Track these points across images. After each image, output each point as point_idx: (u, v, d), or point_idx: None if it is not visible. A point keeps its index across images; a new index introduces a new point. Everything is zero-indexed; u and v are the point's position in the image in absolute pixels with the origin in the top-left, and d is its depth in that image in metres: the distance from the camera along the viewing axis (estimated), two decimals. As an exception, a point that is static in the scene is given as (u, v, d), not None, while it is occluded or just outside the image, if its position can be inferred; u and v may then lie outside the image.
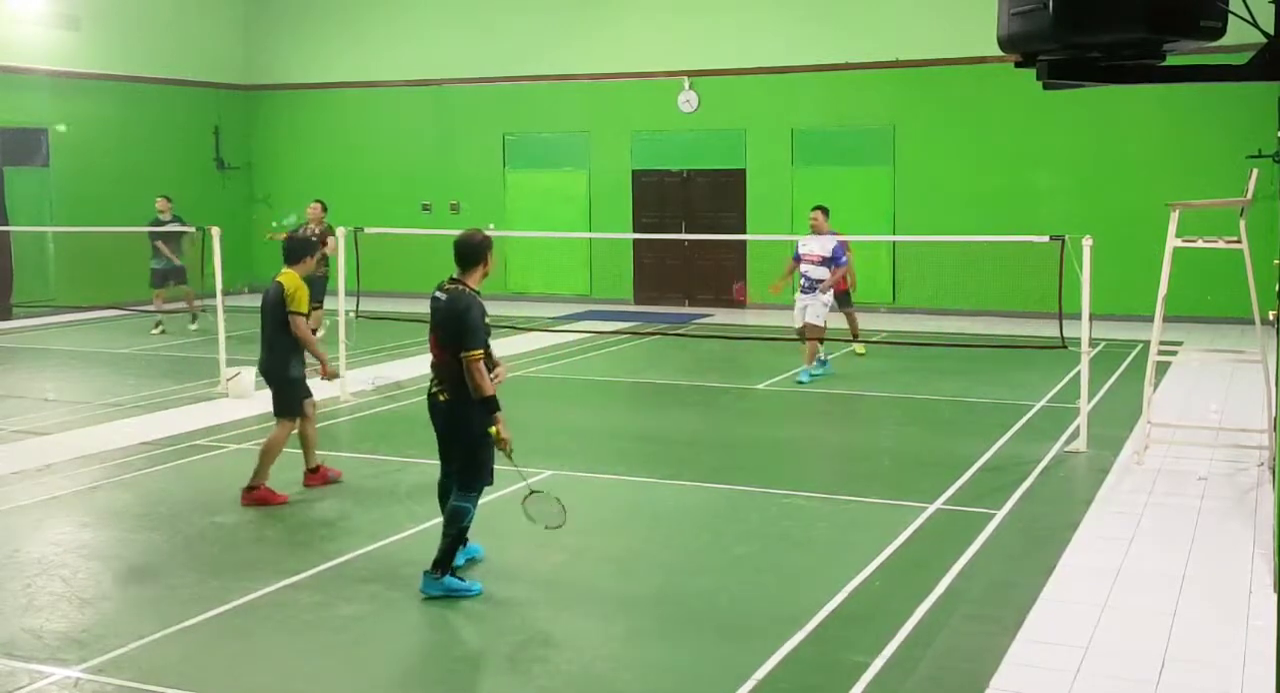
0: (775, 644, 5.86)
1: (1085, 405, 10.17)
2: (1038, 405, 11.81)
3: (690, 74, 20.74)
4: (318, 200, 16.61)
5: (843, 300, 14.80)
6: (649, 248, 21.31)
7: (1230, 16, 2.97)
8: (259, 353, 8.81)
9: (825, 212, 13.62)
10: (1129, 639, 5.95)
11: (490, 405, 6.62)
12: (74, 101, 20.81)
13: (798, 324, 13.35)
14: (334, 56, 23.28)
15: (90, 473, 9.50)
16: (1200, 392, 12.36)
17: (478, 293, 6.79)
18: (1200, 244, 9.32)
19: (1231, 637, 5.96)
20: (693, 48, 20.62)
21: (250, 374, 12.37)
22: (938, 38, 18.96)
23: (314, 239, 10.98)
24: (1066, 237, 10.13)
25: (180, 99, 22.63)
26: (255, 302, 9.67)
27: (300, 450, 8.91)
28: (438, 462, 7.02)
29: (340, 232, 13.18)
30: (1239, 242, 9.08)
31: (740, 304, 20.48)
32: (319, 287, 14.72)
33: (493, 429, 6.63)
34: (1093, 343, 10.53)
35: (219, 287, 13.17)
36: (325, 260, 13.89)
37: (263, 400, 11.34)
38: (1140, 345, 14.56)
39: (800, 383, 13.14)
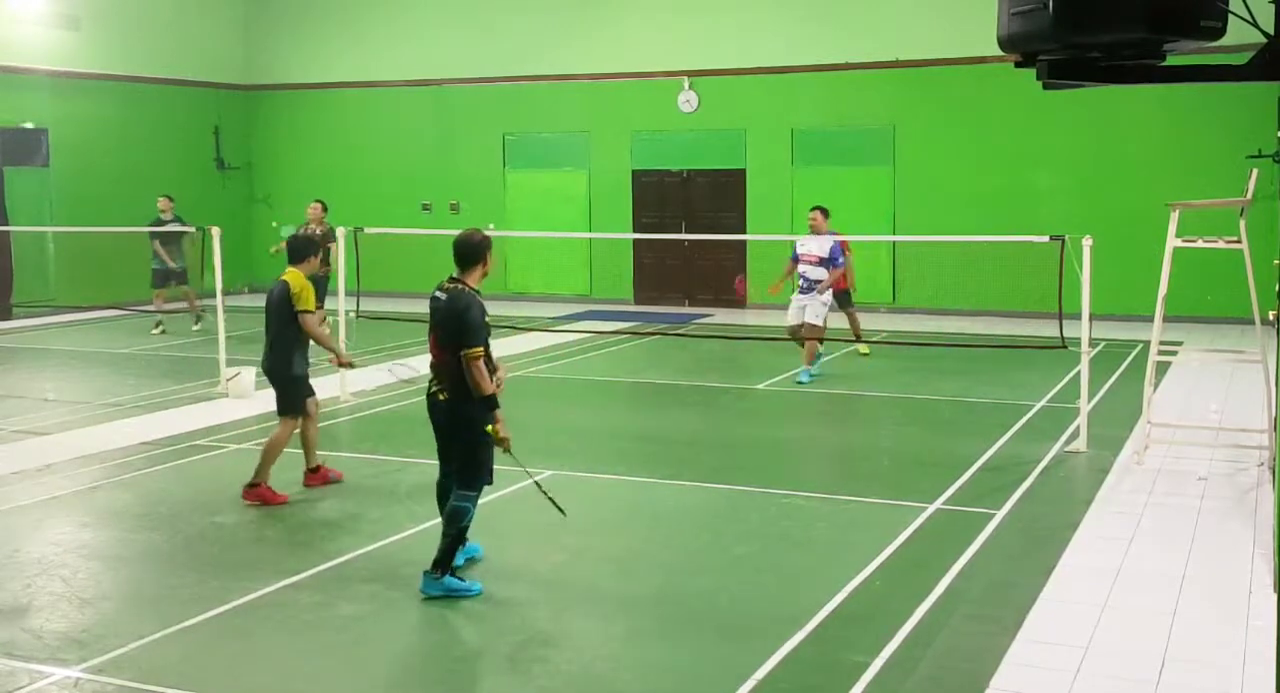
0: (775, 644, 5.86)
1: (1085, 405, 10.17)
2: (1038, 405, 11.81)
3: (690, 74, 20.74)
4: (318, 200, 16.62)
5: (844, 301, 14.81)
6: (649, 248, 21.31)
7: (1230, 16, 2.97)
8: (262, 352, 8.82)
9: (824, 212, 13.62)
10: (1129, 639, 5.95)
11: (490, 404, 6.63)
12: (74, 101, 20.81)
13: (791, 322, 13.35)
14: (334, 56, 23.28)
15: (90, 473, 9.50)
16: (1200, 392, 12.36)
17: (478, 292, 6.79)
18: (1200, 244, 9.32)
19: (1231, 637, 5.96)
20: (693, 48, 20.62)
21: (250, 374, 12.39)
22: (938, 38, 18.96)
23: (316, 238, 10.98)
24: (1066, 237, 10.13)
25: (180, 99, 22.63)
26: (255, 302, 9.67)
27: (301, 450, 8.92)
28: (437, 462, 7.02)
29: (340, 232, 13.18)
30: (1239, 242, 9.08)
31: (740, 303, 20.48)
32: (320, 287, 14.71)
33: (490, 429, 6.64)
34: (1093, 343, 10.53)
35: (219, 287, 13.17)
36: (327, 260, 13.89)
37: (263, 401, 11.35)
38: (1140, 345, 14.56)
39: (800, 383, 13.14)
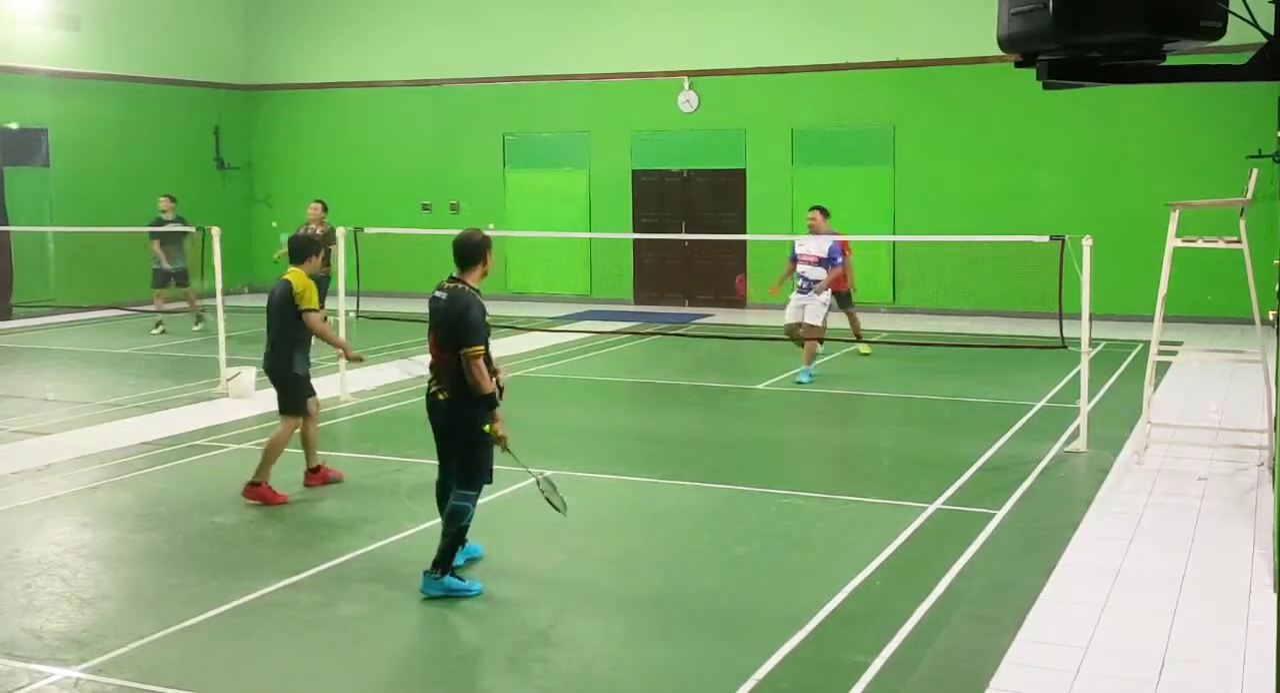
0: (775, 644, 5.86)
1: (1085, 405, 10.17)
2: (1038, 405, 11.81)
3: (690, 74, 20.74)
4: (318, 200, 16.63)
5: (844, 301, 14.82)
6: (649, 248, 21.31)
7: (1230, 16, 2.97)
8: (264, 351, 8.83)
9: (823, 212, 13.63)
10: (1129, 639, 5.95)
11: (490, 403, 6.63)
12: (74, 101, 20.81)
13: (788, 321, 13.35)
14: (334, 56, 23.28)
15: (90, 473, 9.50)
16: (1200, 392, 12.36)
17: (478, 292, 6.80)
18: (1200, 244, 9.32)
19: (1231, 637, 5.96)
20: (693, 48, 20.62)
21: (250, 374, 12.39)
22: (938, 38, 18.96)
23: (317, 238, 10.99)
24: (1066, 237, 10.13)
25: (180, 99, 22.63)
26: (255, 302, 9.66)
27: (301, 450, 8.92)
28: (437, 462, 7.02)
29: (340, 232, 13.18)
30: (1239, 242, 9.07)
31: (740, 303, 20.48)
32: (321, 287, 14.69)
33: (488, 428, 6.65)
34: (1093, 343, 10.53)
35: (219, 287, 13.17)
36: (328, 260, 13.91)
37: (263, 400, 11.36)
38: (1140, 345, 14.56)
39: (800, 383, 13.14)
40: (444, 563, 6.61)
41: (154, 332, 17.64)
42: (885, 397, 12.71)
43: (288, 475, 8.81)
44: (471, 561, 7.08)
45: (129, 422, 11.46)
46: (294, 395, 8.71)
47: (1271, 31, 3.01)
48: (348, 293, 13.11)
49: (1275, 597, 5.38)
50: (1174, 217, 9.31)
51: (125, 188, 20.78)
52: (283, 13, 23.73)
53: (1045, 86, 3.20)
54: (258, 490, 8.47)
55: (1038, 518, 8.09)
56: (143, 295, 18.22)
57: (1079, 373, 10.40)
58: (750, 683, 5.45)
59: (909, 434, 10.98)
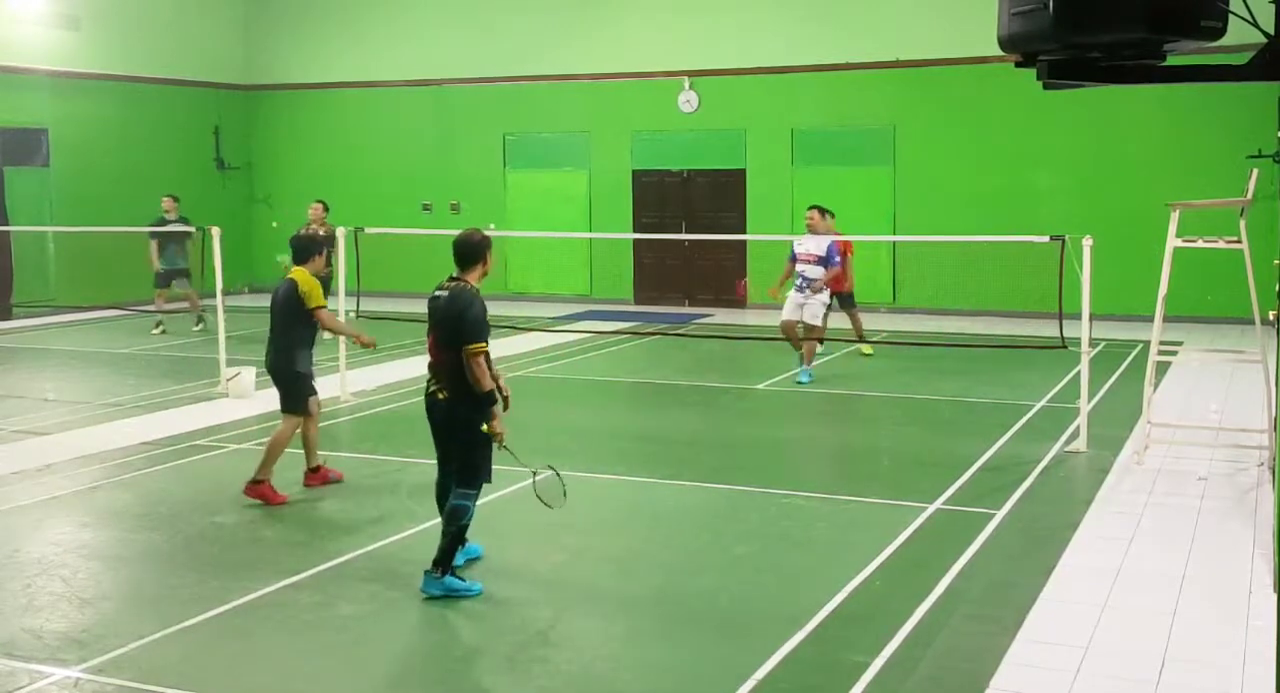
0: (775, 644, 5.86)
1: (1085, 405, 10.17)
2: (1038, 405, 11.81)
3: (690, 74, 20.74)
4: (319, 201, 16.63)
5: (846, 301, 14.82)
6: (649, 248, 21.31)
7: (1230, 16, 2.97)
8: (266, 350, 8.83)
9: (822, 211, 13.64)
10: (1129, 639, 5.95)
11: (490, 400, 6.64)
12: (74, 101, 20.81)
13: (785, 318, 13.35)
14: (334, 56, 23.28)
15: (90, 473, 9.50)
16: (1200, 392, 12.36)
17: (478, 290, 6.81)
18: (1200, 244, 9.32)
19: (1231, 637, 5.96)
20: (693, 48, 20.62)
21: (250, 374, 12.39)
22: (938, 38, 18.96)
23: (319, 238, 10.99)
24: (1066, 237, 10.13)
25: (180, 99, 22.63)
26: (255, 302, 9.66)
27: (301, 450, 8.92)
28: (437, 462, 7.02)
29: (340, 232, 13.18)
30: (1239, 242, 9.07)
31: (740, 303, 20.48)
32: (323, 287, 14.70)
33: (485, 427, 6.65)
34: (1093, 343, 10.53)
35: (219, 287, 13.17)
36: (329, 260, 13.91)
37: (263, 400, 11.38)
38: (1140, 345, 14.56)
39: (800, 383, 13.14)
40: (444, 562, 6.61)
41: (154, 332, 17.64)
42: (885, 397, 12.71)
43: (288, 475, 8.81)
44: (471, 560, 7.08)
45: (129, 422, 11.46)
46: (296, 394, 8.71)
47: (1271, 31, 3.01)
48: (348, 293, 13.10)
49: (1275, 597, 5.38)
50: (1174, 217, 9.31)
51: (125, 188, 20.78)
52: (283, 13, 23.73)
53: (1045, 86, 3.20)
54: (259, 489, 8.47)
55: (1038, 518, 8.09)
56: (143, 295, 18.21)
57: (1079, 373, 10.40)
58: (750, 683, 5.45)
59: (909, 434, 10.98)
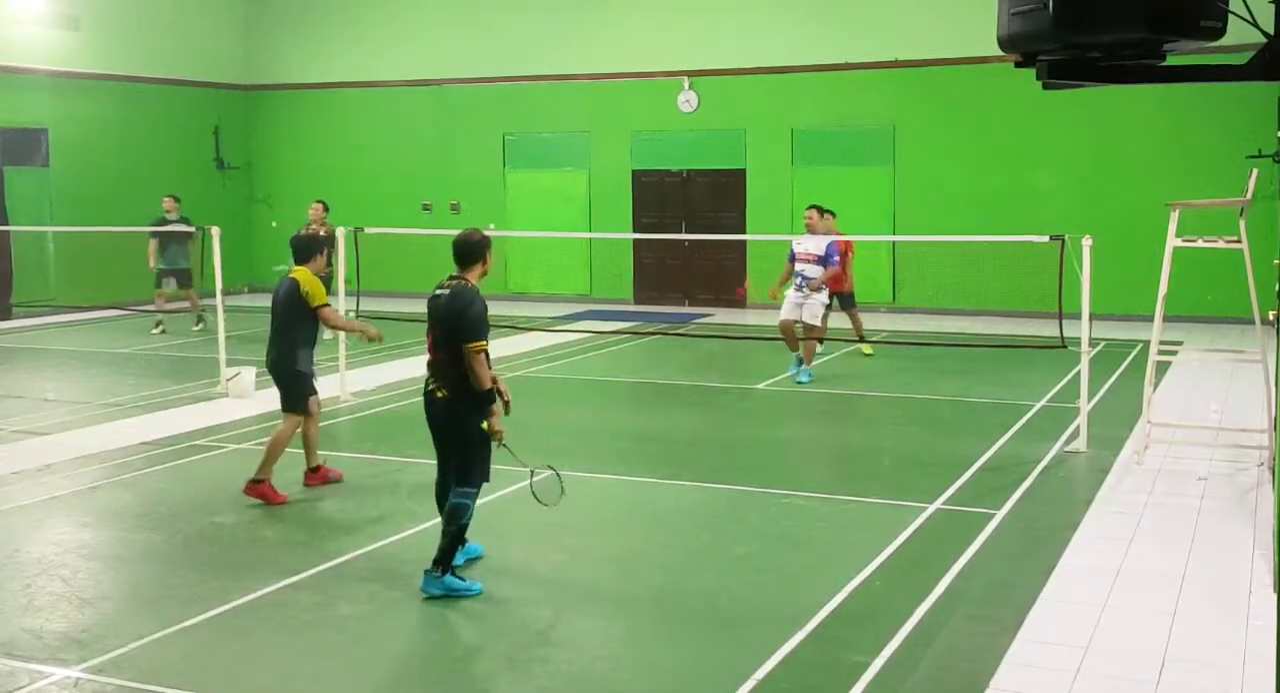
0: (775, 644, 5.86)
1: (1085, 405, 10.17)
2: (1038, 405, 11.81)
3: (690, 74, 20.74)
4: (319, 201, 16.62)
5: (846, 301, 14.82)
6: (649, 248, 21.31)
7: (1230, 16, 2.97)
8: (267, 349, 8.83)
9: (820, 211, 13.64)
10: (1129, 639, 5.95)
11: (489, 398, 6.65)
12: (74, 101, 20.81)
13: (783, 317, 13.35)
14: (334, 56, 23.28)
15: (90, 473, 9.50)
16: (1200, 392, 12.36)
17: (478, 289, 6.82)
18: (1200, 244, 9.32)
19: (1231, 637, 5.96)
20: (693, 48, 20.62)
21: (250, 374, 12.39)
22: (938, 38, 18.96)
23: (319, 237, 10.99)
24: (1066, 237, 10.13)
25: (180, 99, 22.63)
26: (255, 302, 9.65)
27: (301, 450, 8.92)
28: (436, 461, 7.02)
29: (340, 232, 13.18)
30: (1239, 241, 9.07)
31: (740, 303, 20.48)
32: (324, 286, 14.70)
33: (485, 425, 6.66)
34: (1093, 343, 10.53)
35: (219, 287, 13.18)
36: (329, 260, 13.92)
37: (263, 400, 11.38)
38: (1140, 345, 14.56)
39: (800, 383, 13.14)
40: (444, 562, 6.62)
41: (154, 331, 17.64)
42: (885, 397, 12.71)
43: (288, 475, 8.81)
44: (471, 560, 7.08)
45: (129, 422, 11.46)
46: (297, 393, 8.72)
47: (1271, 31, 3.01)
48: (348, 293, 13.10)
49: (1275, 597, 5.37)
50: (1174, 216, 9.31)
51: (125, 188, 20.78)
52: (283, 13, 23.73)
53: (1045, 86, 3.20)
54: (259, 488, 8.47)
55: (1038, 518, 8.09)
56: (143, 295, 18.22)
57: (1079, 373, 10.40)
58: (750, 683, 5.45)
59: (909, 434, 10.98)
